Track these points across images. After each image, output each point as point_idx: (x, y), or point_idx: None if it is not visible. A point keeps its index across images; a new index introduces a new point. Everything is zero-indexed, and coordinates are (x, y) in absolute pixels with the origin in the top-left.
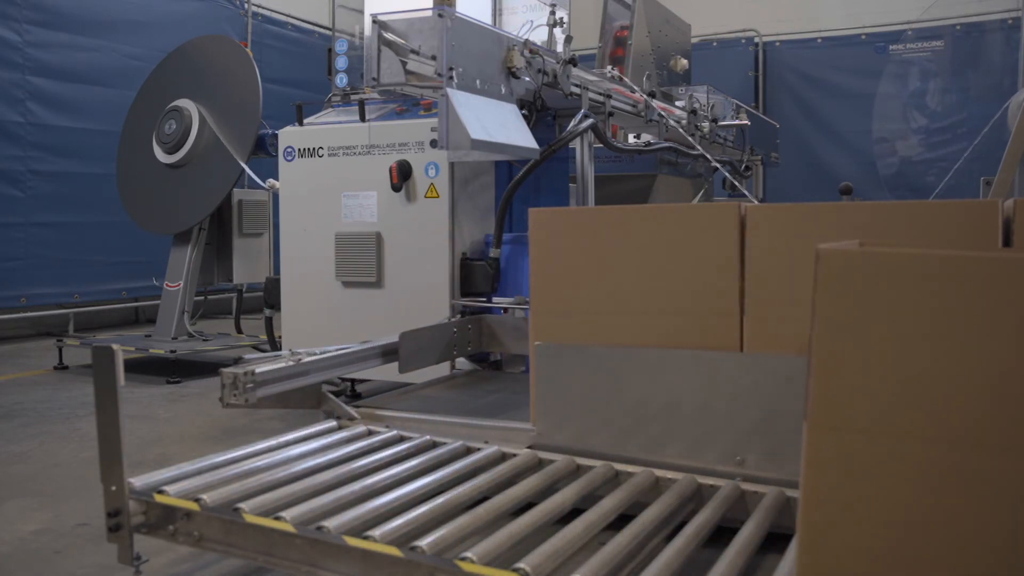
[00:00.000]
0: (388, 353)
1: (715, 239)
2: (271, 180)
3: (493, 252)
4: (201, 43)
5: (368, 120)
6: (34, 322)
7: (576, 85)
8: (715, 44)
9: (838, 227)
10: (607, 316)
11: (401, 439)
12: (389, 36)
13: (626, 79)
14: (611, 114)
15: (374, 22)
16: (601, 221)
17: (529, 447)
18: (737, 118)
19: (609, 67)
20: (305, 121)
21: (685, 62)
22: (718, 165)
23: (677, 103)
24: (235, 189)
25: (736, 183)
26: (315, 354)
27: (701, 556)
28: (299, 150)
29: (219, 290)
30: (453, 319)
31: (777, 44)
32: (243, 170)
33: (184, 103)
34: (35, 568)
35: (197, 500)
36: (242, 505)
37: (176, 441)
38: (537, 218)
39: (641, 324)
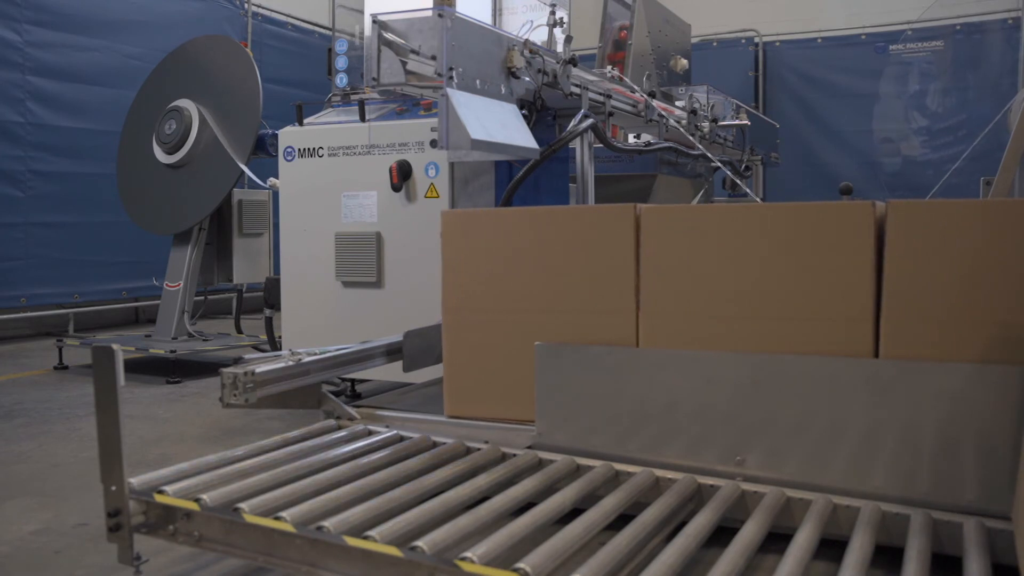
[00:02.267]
0: (392, 352)
1: (612, 239)
2: (272, 179)
3: None
4: (201, 43)
5: (368, 120)
6: (34, 322)
7: (576, 85)
8: (715, 44)
9: (728, 227)
10: (514, 313)
11: (401, 439)
12: (389, 36)
13: (626, 79)
14: (611, 114)
15: (374, 22)
16: (507, 222)
17: (529, 447)
18: (737, 118)
19: (609, 67)
20: (305, 121)
21: (685, 62)
22: (720, 164)
23: (677, 103)
24: (235, 189)
25: (737, 181)
26: (315, 354)
27: (701, 556)
28: (299, 150)
29: (219, 290)
30: None
31: (777, 44)
32: (243, 170)
33: (184, 103)
34: (35, 568)
35: (197, 500)
36: (242, 505)
37: (176, 441)
38: (448, 219)
39: (544, 321)
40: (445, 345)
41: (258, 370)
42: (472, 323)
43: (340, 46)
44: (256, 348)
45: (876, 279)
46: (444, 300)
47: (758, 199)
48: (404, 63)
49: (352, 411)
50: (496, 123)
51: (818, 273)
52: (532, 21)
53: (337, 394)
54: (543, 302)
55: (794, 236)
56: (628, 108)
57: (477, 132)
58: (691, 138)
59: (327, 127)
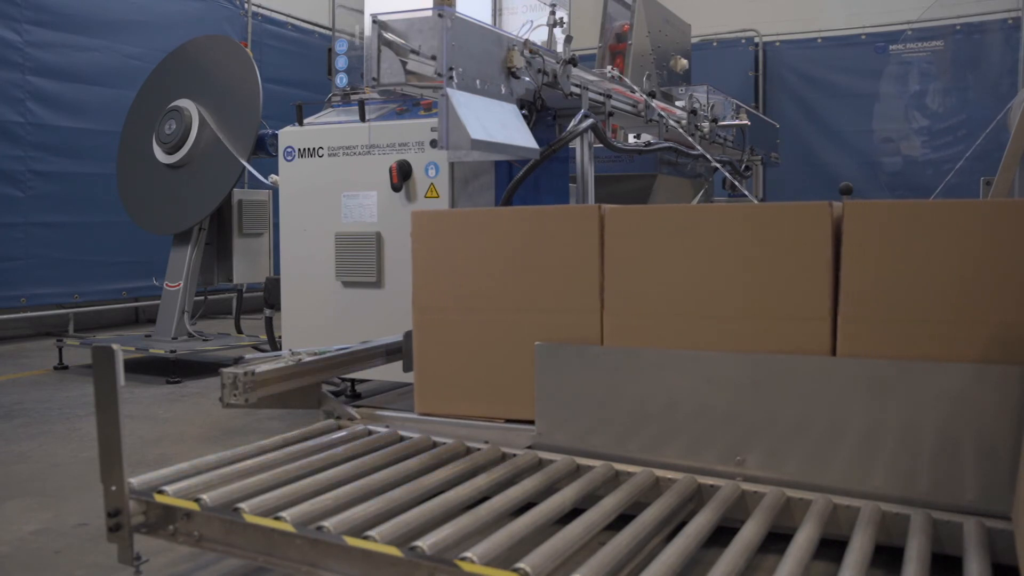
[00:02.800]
0: (392, 352)
1: (577, 239)
2: (273, 176)
3: None
4: (201, 43)
5: (368, 120)
6: (34, 322)
7: (576, 85)
8: (715, 44)
9: (690, 227)
10: (482, 312)
11: (401, 439)
12: (389, 36)
13: (626, 79)
14: (611, 114)
15: (374, 22)
16: (476, 222)
17: (529, 447)
18: (737, 118)
19: (609, 67)
20: (305, 121)
21: (685, 62)
22: (718, 165)
23: (677, 103)
24: (235, 189)
25: (736, 182)
26: (315, 354)
27: (701, 556)
28: (299, 150)
29: (219, 290)
30: None
31: (777, 44)
32: (243, 170)
33: (184, 103)
34: (35, 568)
35: (197, 500)
36: (242, 505)
37: (176, 441)
38: (418, 220)
39: (512, 320)
40: (416, 344)
41: (258, 370)
42: (442, 322)
43: (340, 46)
44: (256, 348)
45: (833, 279)
46: (414, 299)
47: (754, 199)
48: (404, 63)
49: (352, 411)
50: (496, 123)
51: (777, 272)
52: (532, 21)
53: (337, 394)
54: (511, 301)
55: (753, 236)
56: (628, 108)
57: (477, 132)
58: (690, 139)
59: (327, 127)
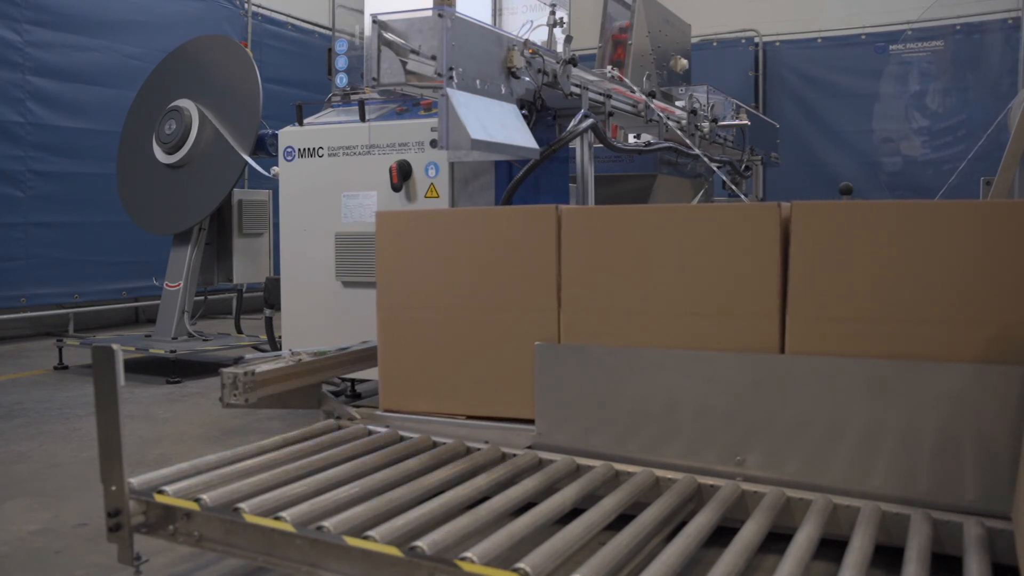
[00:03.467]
0: None
1: (536, 239)
2: (275, 168)
3: None
4: (201, 43)
5: (368, 120)
6: (34, 322)
7: (576, 85)
8: (715, 44)
9: (643, 227)
10: (445, 311)
11: (401, 439)
12: (389, 36)
13: (626, 79)
14: (611, 114)
15: (374, 22)
16: (439, 223)
17: (529, 447)
18: (737, 118)
19: (609, 67)
20: (305, 121)
21: (685, 62)
22: (715, 168)
23: (677, 103)
24: (235, 189)
25: (732, 186)
26: (315, 354)
27: (701, 556)
28: (299, 150)
29: (219, 290)
30: None
31: (777, 44)
32: (243, 170)
33: (184, 103)
34: (35, 568)
35: (197, 500)
36: (242, 505)
37: (176, 441)
38: (382, 220)
39: (473, 318)
40: (380, 342)
41: (258, 370)
42: (405, 320)
43: (340, 46)
44: (256, 348)
45: (782, 278)
46: (379, 298)
47: (744, 198)
48: (404, 63)
49: (352, 411)
50: (496, 123)
51: (727, 271)
52: (532, 21)
53: (337, 394)
54: (472, 300)
55: (705, 236)
56: (628, 108)
57: (477, 132)
58: (687, 141)
59: (327, 127)
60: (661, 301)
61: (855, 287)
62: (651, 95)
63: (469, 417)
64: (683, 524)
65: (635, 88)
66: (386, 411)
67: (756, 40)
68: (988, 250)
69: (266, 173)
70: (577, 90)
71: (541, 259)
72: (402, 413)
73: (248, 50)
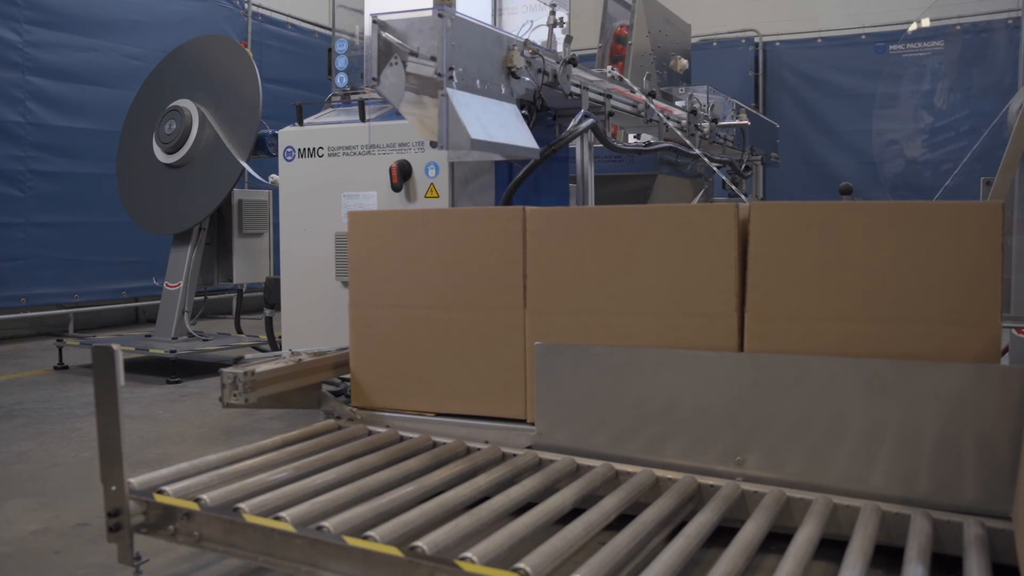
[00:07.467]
0: None
1: (502, 238)
2: (273, 176)
3: None
4: (201, 43)
5: (368, 120)
6: (34, 322)
7: (576, 85)
8: (715, 44)
9: (605, 228)
10: (414, 309)
11: (401, 439)
12: (388, 36)
13: (626, 79)
14: (611, 114)
15: (374, 22)
16: (409, 222)
17: (529, 447)
18: (737, 118)
19: (609, 67)
20: (305, 121)
21: (685, 62)
22: (715, 169)
23: (677, 103)
24: (235, 189)
25: (732, 186)
26: (315, 354)
27: (701, 556)
28: (299, 150)
29: (219, 290)
30: None
31: (777, 44)
32: (243, 170)
33: (184, 103)
34: (35, 568)
35: (197, 500)
36: (242, 505)
37: (176, 441)
38: (354, 220)
39: (442, 317)
40: (351, 340)
41: (258, 370)
42: (375, 318)
43: (340, 46)
44: (256, 348)
45: (740, 277)
46: (351, 296)
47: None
48: (404, 63)
49: (352, 411)
50: (496, 123)
51: (687, 271)
52: (532, 21)
53: (337, 394)
54: (441, 299)
55: (664, 236)
56: (628, 108)
57: (477, 132)
58: (687, 141)
59: (327, 127)
60: (623, 300)
61: (813, 286)
62: (651, 95)
63: (437, 413)
64: (683, 524)
65: (635, 88)
66: (357, 408)
67: (756, 40)
68: (929, 249)
69: (264, 181)
70: (577, 90)
71: (508, 259)
72: (377, 410)
73: (248, 50)
